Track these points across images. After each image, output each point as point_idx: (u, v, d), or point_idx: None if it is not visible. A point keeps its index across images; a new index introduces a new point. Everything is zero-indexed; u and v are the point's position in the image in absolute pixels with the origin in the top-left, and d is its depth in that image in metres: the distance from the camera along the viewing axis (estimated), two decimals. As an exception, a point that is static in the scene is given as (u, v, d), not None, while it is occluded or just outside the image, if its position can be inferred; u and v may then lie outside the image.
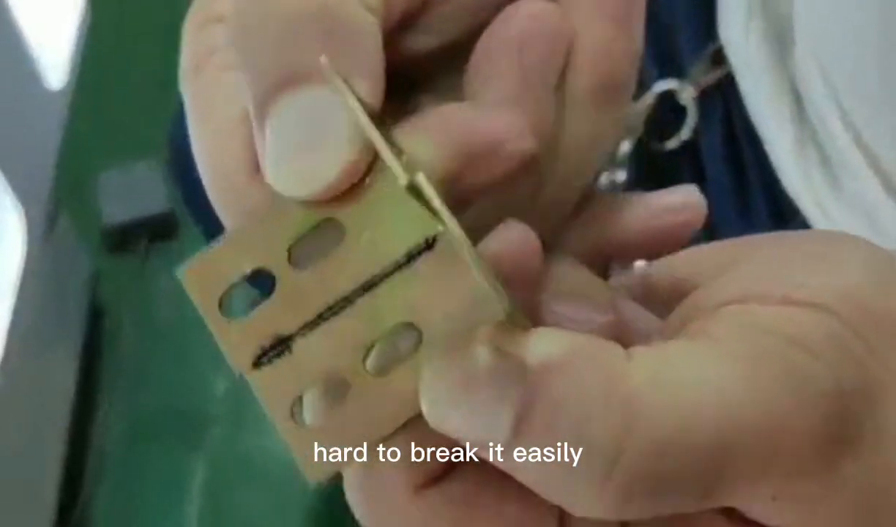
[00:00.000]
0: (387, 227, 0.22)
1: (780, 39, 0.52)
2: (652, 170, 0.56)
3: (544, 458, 0.20)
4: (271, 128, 0.22)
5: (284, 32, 0.22)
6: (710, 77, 0.55)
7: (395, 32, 0.25)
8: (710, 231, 0.56)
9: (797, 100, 0.51)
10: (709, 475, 0.20)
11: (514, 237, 0.23)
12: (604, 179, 0.56)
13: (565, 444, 0.19)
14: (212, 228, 0.81)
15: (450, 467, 0.22)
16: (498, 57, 0.24)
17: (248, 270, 0.22)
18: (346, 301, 0.22)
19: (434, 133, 0.23)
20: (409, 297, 0.22)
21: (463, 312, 0.22)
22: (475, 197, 0.24)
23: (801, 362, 0.21)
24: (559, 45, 0.24)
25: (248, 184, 0.24)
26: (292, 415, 0.22)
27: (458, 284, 0.22)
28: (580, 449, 0.19)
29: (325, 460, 0.22)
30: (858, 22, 0.48)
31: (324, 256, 0.22)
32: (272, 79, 0.22)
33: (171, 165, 0.80)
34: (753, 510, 0.21)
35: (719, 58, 0.54)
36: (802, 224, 0.51)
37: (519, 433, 0.19)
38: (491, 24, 0.24)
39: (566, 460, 0.19)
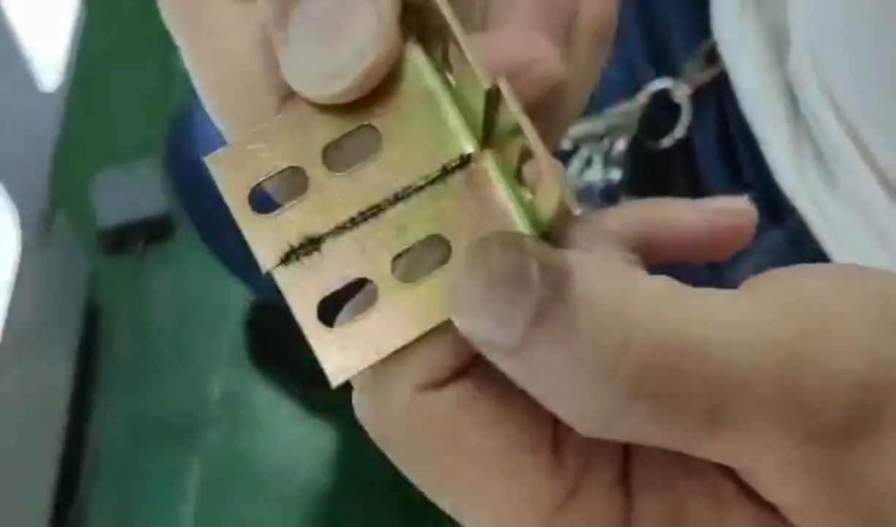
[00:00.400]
0: (423, 140, 0.22)
1: (775, 37, 0.52)
2: (647, 168, 0.56)
3: (551, 359, 0.20)
4: (294, 25, 0.22)
5: None
6: (705, 75, 0.55)
7: None
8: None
9: (792, 97, 0.51)
10: (715, 397, 0.20)
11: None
12: (599, 177, 0.56)
13: (573, 345, 0.19)
14: (207, 229, 0.81)
15: (454, 376, 0.22)
16: (521, 9, 0.25)
17: (281, 165, 0.22)
18: (378, 209, 0.22)
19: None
20: (441, 211, 0.22)
21: (494, 228, 0.22)
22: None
23: (837, 334, 0.21)
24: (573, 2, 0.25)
25: (274, 107, 0.23)
26: (318, 316, 0.21)
27: (488, 204, 0.22)
28: (587, 353, 0.20)
29: (347, 362, 0.21)
30: (853, 18, 0.48)
31: (359, 161, 0.22)
32: None
33: (168, 167, 0.80)
34: (766, 476, 0.21)
35: (713, 56, 0.54)
36: (798, 222, 0.51)
37: (533, 332, 0.19)
38: None
39: (572, 361, 0.19)
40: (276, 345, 1.12)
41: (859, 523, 0.21)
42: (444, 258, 0.22)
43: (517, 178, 0.22)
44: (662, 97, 0.55)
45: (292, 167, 0.22)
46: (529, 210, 0.22)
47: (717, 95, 0.55)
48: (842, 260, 0.50)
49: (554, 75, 0.24)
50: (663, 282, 0.21)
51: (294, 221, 0.22)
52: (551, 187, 0.20)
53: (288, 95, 0.23)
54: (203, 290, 1.17)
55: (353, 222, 0.22)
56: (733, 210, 0.28)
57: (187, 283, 1.18)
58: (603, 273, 0.20)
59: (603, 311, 0.20)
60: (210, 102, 0.24)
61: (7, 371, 0.66)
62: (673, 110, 0.55)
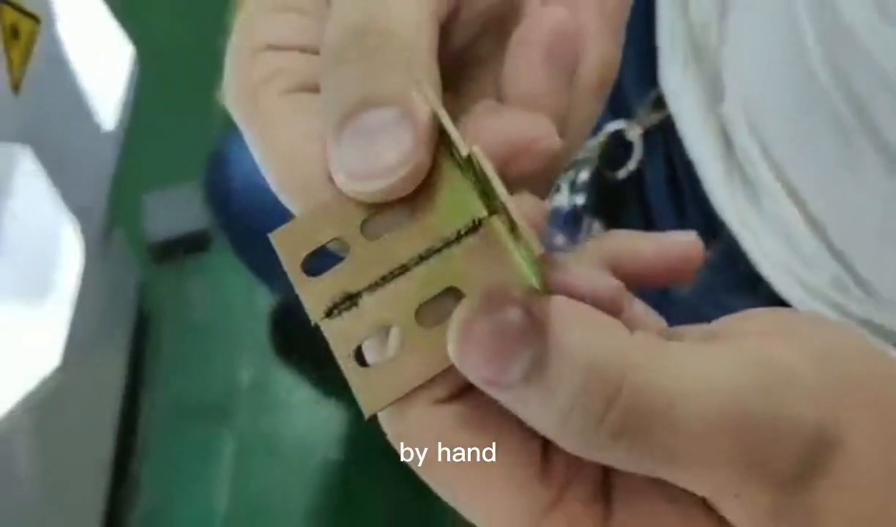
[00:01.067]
0: (444, 211, 0.23)
1: (711, 87, 0.53)
2: (606, 195, 0.57)
3: (547, 401, 0.20)
4: (345, 137, 0.23)
5: (369, 67, 0.23)
6: (653, 118, 0.56)
7: None
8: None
9: (726, 137, 0.52)
10: (678, 441, 0.20)
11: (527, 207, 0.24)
12: (566, 202, 0.57)
13: (566, 395, 0.20)
14: (238, 243, 0.81)
15: (464, 391, 0.22)
16: (529, 57, 0.25)
17: (327, 238, 0.23)
18: (405, 268, 0.23)
19: (482, 136, 0.24)
20: (457, 267, 0.23)
21: (502, 280, 0.23)
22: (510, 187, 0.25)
23: (795, 391, 0.21)
24: (576, 48, 0.26)
25: (326, 188, 0.24)
26: (355, 358, 0.23)
27: (497, 260, 0.23)
28: (580, 398, 0.20)
29: (378, 396, 0.22)
30: (777, 74, 0.49)
31: (389, 231, 0.23)
32: (353, 101, 0.23)
33: (207, 193, 0.80)
34: (720, 502, 0.21)
35: (660, 102, 0.55)
36: (731, 240, 0.52)
37: (530, 379, 0.20)
38: (519, 29, 0.26)
39: (567, 405, 0.20)
40: (295, 339, 1.13)
41: None
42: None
43: (512, 235, 0.23)
44: (618, 136, 0.56)
45: (336, 238, 0.23)
46: (526, 261, 0.23)
47: (664, 135, 0.56)
48: (768, 273, 0.51)
49: (552, 149, 0.24)
50: (641, 337, 0.21)
51: (337, 282, 0.23)
52: (527, 243, 0.21)
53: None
54: (235, 293, 1.16)
55: (384, 280, 0.23)
56: (683, 242, 0.28)
57: (222, 288, 1.17)
58: (589, 325, 0.21)
59: (592, 365, 0.20)
60: (273, 180, 0.25)
61: (71, 367, 0.67)
62: (627, 147, 0.56)
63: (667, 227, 0.56)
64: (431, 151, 0.23)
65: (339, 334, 0.23)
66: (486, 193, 0.23)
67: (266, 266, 0.75)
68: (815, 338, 0.23)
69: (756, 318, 0.23)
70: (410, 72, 0.23)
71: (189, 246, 1.19)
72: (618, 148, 0.56)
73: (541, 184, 0.26)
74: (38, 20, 0.70)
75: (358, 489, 1.07)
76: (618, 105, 0.57)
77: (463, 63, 0.27)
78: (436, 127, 0.23)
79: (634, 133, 0.56)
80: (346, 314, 0.23)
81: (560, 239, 0.56)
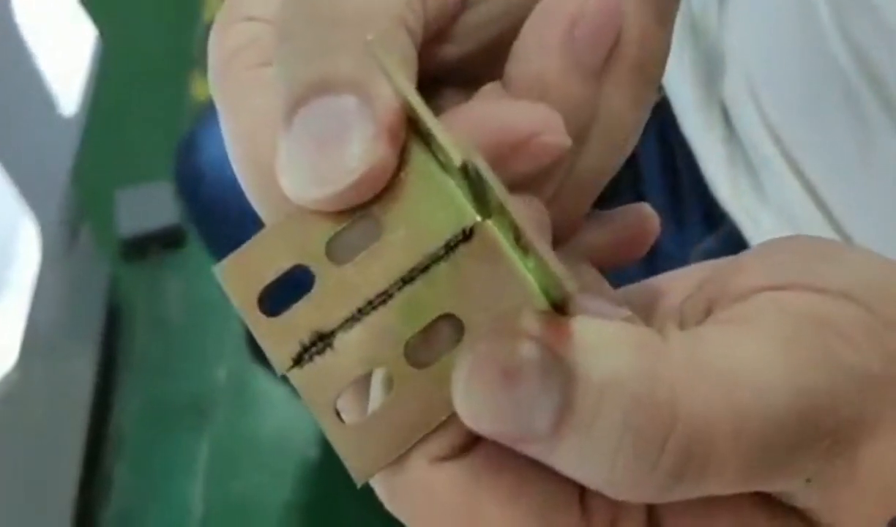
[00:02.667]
0: (423, 220, 0.19)
1: (710, 62, 0.50)
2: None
3: (586, 448, 0.16)
4: (294, 129, 0.19)
5: (321, 44, 0.19)
6: None
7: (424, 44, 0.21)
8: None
9: (726, 117, 0.49)
10: (751, 459, 0.17)
11: (525, 210, 0.19)
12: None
13: (609, 436, 0.16)
14: (212, 238, 0.79)
15: (469, 445, 0.18)
16: (547, 38, 0.20)
17: (286, 266, 0.19)
18: (386, 295, 0.18)
19: (469, 129, 0.19)
20: (449, 288, 0.18)
21: (504, 300, 0.18)
22: (509, 189, 0.20)
23: (834, 346, 0.18)
24: (611, 30, 0.20)
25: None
26: (336, 413, 0.18)
27: (497, 274, 0.18)
28: (626, 436, 0.16)
29: (369, 460, 0.18)
30: (785, 45, 0.46)
31: (361, 250, 0.19)
32: (301, 86, 0.19)
33: (178, 186, 0.77)
34: (789, 494, 0.19)
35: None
36: (731, 229, 0.49)
37: (561, 426, 0.16)
38: (542, 2, 0.20)
39: (611, 447, 0.16)
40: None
41: (875, 506, 0.19)
42: (459, 336, 0.18)
43: (516, 239, 0.18)
44: None
45: (297, 265, 0.19)
46: (535, 274, 0.18)
47: (660, 117, 0.53)
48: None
49: (556, 145, 0.19)
50: (679, 343, 0.18)
51: (304, 319, 0.18)
52: (546, 269, 0.17)
53: None
54: (210, 290, 1.15)
55: (362, 312, 0.18)
56: (637, 216, 0.24)
57: (197, 284, 1.16)
58: (619, 346, 0.17)
59: (633, 396, 0.16)
60: (233, 161, 0.21)
61: (37, 365, 0.63)
62: None
63: (662, 215, 0.53)
64: (397, 147, 0.19)
65: (314, 385, 0.18)
66: (479, 196, 0.18)
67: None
68: (829, 273, 0.19)
69: (755, 267, 0.20)
70: (363, 44, 0.18)
71: (163, 242, 1.18)
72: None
73: (548, 188, 0.21)
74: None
75: (336, 488, 1.05)
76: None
77: (492, 62, 0.22)
78: (403, 116, 0.19)
79: (628, 116, 0.52)
80: (319, 359, 0.18)
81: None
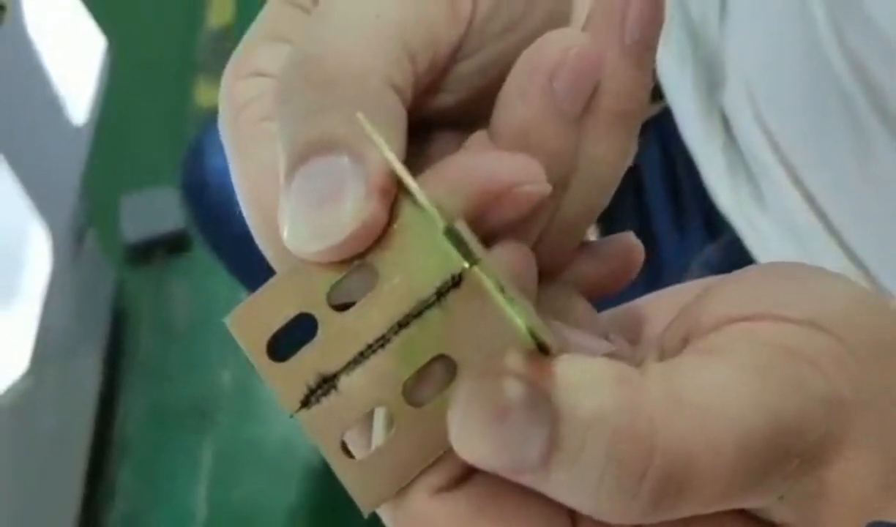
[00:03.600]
0: (415, 268, 0.20)
1: (711, 77, 0.50)
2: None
3: (573, 478, 0.17)
4: (293, 189, 0.20)
5: (315, 106, 0.20)
6: (651, 110, 0.53)
7: (418, 95, 0.22)
8: (649, 244, 0.54)
9: (727, 126, 0.49)
10: (726, 481, 0.18)
11: (511, 256, 0.21)
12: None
13: (593, 466, 0.17)
14: (217, 243, 0.79)
15: (467, 475, 0.19)
16: (529, 85, 0.21)
17: (290, 314, 0.20)
18: (384, 340, 0.20)
19: (454, 182, 0.20)
20: (442, 331, 0.20)
21: (493, 340, 0.20)
22: (496, 234, 0.21)
23: (804, 374, 0.19)
24: (590, 78, 0.21)
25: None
26: (343, 449, 0.20)
27: (485, 316, 0.20)
28: (608, 467, 0.17)
29: (374, 491, 0.19)
30: (785, 55, 0.46)
31: (360, 297, 0.20)
32: (300, 146, 0.20)
33: (183, 193, 0.78)
34: (763, 511, 0.20)
35: (657, 93, 0.53)
36: (733, 238, 0.49)
37: (550, 458, 0.17)
38: (526, 51, 0.22)
39: (595, 478, 0.17)
40: (276, 341, 1.11)
41: (849, 518, 0.20)
42: (451, 375, 0.20)
43: (499, 283, 0.20)
44: None
45: (302, 313, 0.20)
46: (521, 316, 0.20)
47: (661, 128, 0.53)
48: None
49: (537, 193, 0.20)
50: (657, 377, 0.19)
51: (309, 363, 0.20)
52: (524, 320, 0.18)
53: None
54: (215, 295, 1.15)
55: (363, 355, 0.20)
56: (623, 247, 0.25)
57: (201, 289, 1.16)
58: (600, 383, 0.18)
59: (613, 429, 0.17)
60: (242, 206, 0.23)
61: (46, 370, 0.64)
62: None
63: (664, 224, 0.53)
64: (387, 203, 0.20)
65: (321, 425, 0.20)
66: (465, 247, 0.20)
67: (243, 264, 0.73)
68: (798, 302, 0.20)
69: (727, 298, 0.21)
70: (357, 104, 0.20)
71: (168, 247, 1.18)
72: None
73: (533, 232, 0.22)
74: (3, 7, 0.66)
75: (339, 494, 1.05)
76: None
77: (486, 107, 0.23)
78: (392, 175, 0.20)
79: (630, 126, 0.52)
80: (325, 400, 0.20)
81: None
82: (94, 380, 1.01)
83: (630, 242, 0.25)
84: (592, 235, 0.54)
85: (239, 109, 0.23)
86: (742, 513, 0.20)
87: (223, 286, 1.08)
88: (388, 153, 0.19)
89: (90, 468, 0.98)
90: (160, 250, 1.17)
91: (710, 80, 0.50)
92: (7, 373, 0.61)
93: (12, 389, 0.61)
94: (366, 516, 0.19)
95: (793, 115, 0.46)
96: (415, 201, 0.20)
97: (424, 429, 0.19)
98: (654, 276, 0.53)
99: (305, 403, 0.20)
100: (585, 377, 0.18)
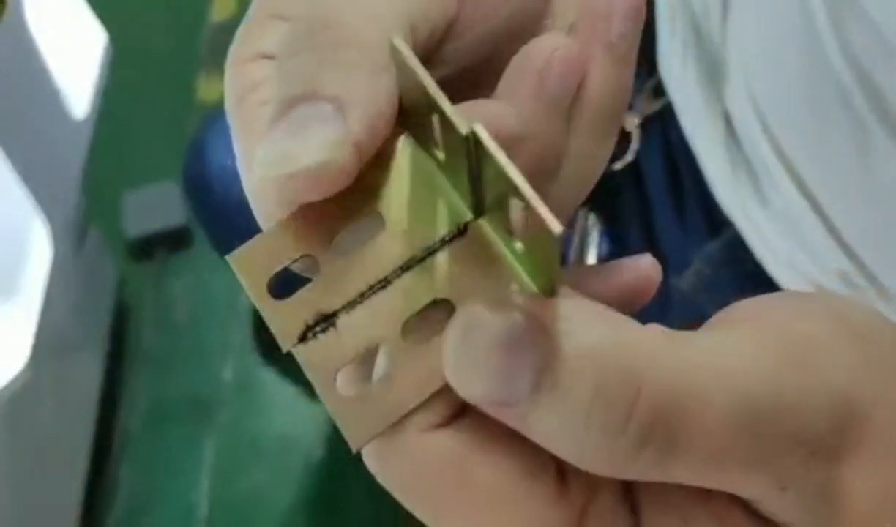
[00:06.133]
0: (422, 217, 0.21)
1: (713, 73, 0.50)
2: (601, 187, 0.54)
3: (560, 416, 0.18)
4: (274, 132, 0.20)
5: (314, 67, 0.21)
6: (652, 107, 0.53)
7: None
8: (651, 240, 0.54)
9: (729, 125, 0.49)
10: (717, 441, 0.18)
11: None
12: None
13: (581, 402, 0.17)
14: (219, 238, 0.79)
15: (456, 414, 0.20)
16: (520, 84, 0.23)
17: (293, 256, 0.21)
18: (385, 282, 0.20)
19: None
20: (443, 277, 0.20)
21: (496, 287, 0.20)
22: None
23: (817, 358, 0.19)
24: (575, 77, 0.23)
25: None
26: (336, 386, 0.20)
27: (487, 265, 0.20)
28: (595, 404, 0.17)
29: (366, 427, 0.19)
30: (785, 55, 0.46)
31: (364, 243, 0.21)
32: (289, 98, 0.21)
33: (186, 187, 0.78)
34: (764, 502, 0.19)
35: (659, 90, 0.53)
36: (734, 235, 0.49)
37: (539, 390, 0.17)
38: (517, 55, 0.23)
39: (582, 415, 0.17)
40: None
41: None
42: (450, 318, 0.20)
43: (508, 231, 0.20)
44: None
45: (304, 255, 0.21)
46: (525, 262, 0.20)
47: (663, 124, 0.53)
48: (773, 268, 0.48)
49: (506, 128, 0.21)
50: (655, 330, 0.19)
51: (309, 302, 0.20)
52: (540, 223, 0.18)
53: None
54: (216, 290, 1.15)
55: (363, 296, 0.20)
56: (639, 271, 0.25)
57: (203, 284, 1.16)
58: (597, 323, 0.18)
59: (604, 365, 0.17)
60: (245, 188, 0.23)
61: (47, 365, 0.64)
62: (624, 137, 0.53)
63: (665, 220, 0.53)
64: (359, 159, 0.20)
65: (316, 360, 0.20)
66: (474, 191, 0.20)
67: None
68: (827, 311, 0.21)
69: (760, 304, 0.21)
70: (355, 66, 0.21)
71: (170, 243, 1.18)
72: (614, 138, 0.53)
73: None
74: (2, 3, 0.66)
75: (341, 489, 1.05)
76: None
77: (470, 84, 0.25)
78: (376, 138, 0.21)
79: (632, 123, 0.52)
80: (322, 337, 0.20)
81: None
82: (96, 375, 1.01)
83: (647, 264, 0.25)
84: (594, 228, 0.54)
85: (244, 92, 0.23)
86: (743, 508, 0.20)
87: (225, 281, 1.08)
88: (424, 73, 0.19)
89: (91, 463, 0.99)
90: (162, 246, 1.17)
91: (713, 76, 0.50)
92: (8, 368, 0.61)
93: (13, 384, 0.61)
94: (354, 451, 0.19)
95: (793, 112, 0.46)
96: (426, 152, 0.21)
97: (420, 368, 0.20)
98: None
99: (302, 338, 0.20)
100: (584, 316, 0.18)
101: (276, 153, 0.20)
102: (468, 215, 0.21)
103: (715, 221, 0.50)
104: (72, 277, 0.79)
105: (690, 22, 0.51)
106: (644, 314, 0.59)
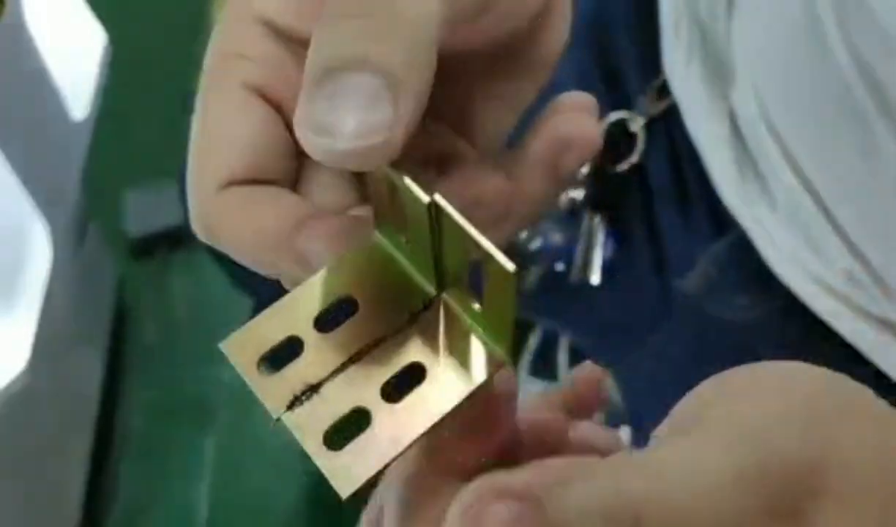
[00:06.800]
0: (391, 297, 0.23)
1: (719, 73, 0.49)
2: (606, 189, 0.54)
3: None
4: (322, 93, 0.21)
5: (364, 31, 0.21)
6: (657, 107, 0.52)
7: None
8: (655, 241, 0.54)
9: (735, 125, 0.49)
10: None
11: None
12: (564, 197, 0.53)
13: None
14: (215, 251, 0.79)
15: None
16: (533, 171, 0.26)
17: (280, 338, 0.23)
18: (363, 353, 0.23)
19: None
20: (414, 344, 0.23)
21: (458, 351, 0.23)
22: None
23: (779, 440, 0.21)
24: (578, 157, 0.26)
25: (217, 194, 0.25)
26: (324, 444, 0.22)
27: (453, 331, 0.23)
28: None
29: (352, 476, 0.22)
30: (791, 57, 0.45)
31: (342, 322, 0.23)
32: (341, 57, 0.21)
33: (181, 190, 0.77)
34: None
35: (664, 91, 0.52)
36: (740, 235, 0.49)
37: None
38: (529, 141, 0.26)
39: None
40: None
41: None
42: (423, 377, 0.23)
43: (468, 301, 0.23)
44: (620, 126, 0.53)
45: (289, 336, 0.23)
46: (484, 323, 0.23)
47: (668, 124, 0.52)
48: (780, 268, 0.48)
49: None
50: (627, 459, 0.21)
51: (295, 375, 0.23)
52: (498, 266, 0.21)
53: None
54: (216, 290, 1.14)
55: (344, 366, 0.23)
56: (584, 381, 0.28)
57: (203, 284, 1.15)
58: (578, 477, 0.20)
59: (605, 511, 0.19)
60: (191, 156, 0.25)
61: (47, 365, 0.63)
62: (628, 138, 0.53)
63: (670, 219, 0.52)
64: (406, 136, 0.21)
65: (303, 424, 0.22)
66: (437, 264, 0.23)
67: (241, 269, 0.72)
68: (774, 383, 0.23)
69: (708, 396, 0.23)
70: (407, 47, 0.21)
71: (171, 242, 1.18)
72: (619, 139, 0.53)
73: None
74: (1, 3, 0.65)
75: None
76: (618, 94, 0.53)
77: (469, 96, 0.26)
78: (422, 112, 0.22)
79: (637, 124, 0.52)
80: (308, 404, 0.22)
81: (558, 237, 0.53)
82: (96, 375, 1.01)
83: (594, 373, 0.28)
84: (600, 230, 0.53)
85: (227, 61, 0.25)
86: None
87: (224, 281, 1.08)
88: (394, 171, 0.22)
89: (92, 464, 0.98)
90: (162, 245, 1.17)
91: (718, 76, 0.49)
92: (8, 368, 0.61)
93: (13, 385, 0.61)
94: (343, 498, 0.21)
95: (798, 111, 0.45)
96: (393, 239, 0.24)
97: (397, 423, 0.22)
98: (661, 271, 0.53)
99: (290, 407, 0.22)
100: (562, 472, 0.20)
101: (329, 124, 0.20)
102: (432, 292, 0.24)
103: (720, 221, 0.49)
104: (72, 276, 0.79)
105: (695, 22, 0.50)
106: (648, 316, 0.58)
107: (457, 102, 0.27)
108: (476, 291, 0.23)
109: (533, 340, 0.89)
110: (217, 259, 0.77)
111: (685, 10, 0.51)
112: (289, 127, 0.26)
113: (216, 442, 1.07)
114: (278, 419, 0.22)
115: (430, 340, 0.23)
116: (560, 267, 0.54)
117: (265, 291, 0.22)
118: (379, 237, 0.24)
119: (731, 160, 0.48)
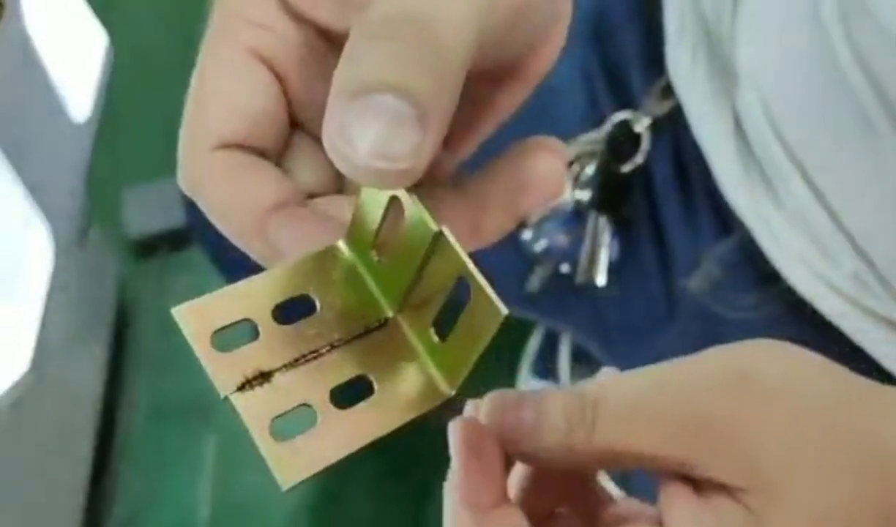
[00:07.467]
0: (351, 307, 0.24)
1: (724, 74, 0.49)
2: (611, 189, 0.53)
3: None
4: (356, 108, 0.21)
5: (404, 57, 0.22)
6: (661, 108, 0.52)
7: None
8: (660, 241, 0.53)
9: (739, 127, 0.48)
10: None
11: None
12: (569, 197, 0.53)
13: None
14: (217, 246, 0.78)
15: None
16: (509, 202, 0.26)
17: (236, 318, 0.23)
18: (318, 353, 0.23)
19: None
20: (366, 357, 0.24)
21: (406, 370, 0.24)
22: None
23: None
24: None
25: (207, 154, 0.25)
26: (269, 432, 0.22)
27: (402, 351, 0.24)
28: None
29: (294, 470, 0.22)
30: (795, 62, 0.45)
31: (301, 318, 0.24)
32: (378, 78, 0.21)
33: (182, 195, 0.76)
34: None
35: (668, 91, 0.52)
36: (745, 235, 0.48)
37: None
38: (516, 165, 0.26)
39: None
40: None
41: None
42: (370, 391, 0.23)
43: (426, 327, 0.24)
44: (624, 127, 0.52)
45: (245, 318, 0.24)
46: (443, 356, 0.24)
47: (672, 125, 0.52)
48: (786, 268, 0.47)
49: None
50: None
51: (249, 358, 0.23)
52: (489, 303, 0.21)
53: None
54: (216, 289, 1.14)
55: (297, 362, 0.23)
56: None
57: (205, 284, 1.13)
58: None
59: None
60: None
61: (49, 367, 0.63)
62: (632, 138, 0.52)
63: (674, 221, 0.52)
64: (428, 163, 0.22)
65: (252, 409, 0.22)
66: (409, 288, 0.24)
67: (240, 271, 0.72)
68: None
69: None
70: (440, 76, 0.22)
71: (171, 242, 1.17)
72: (623, 140, 0.52)
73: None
74: (1, 6, 0.65)
75: (342, 491, 1.05)
76: (623, 95, 0.53)
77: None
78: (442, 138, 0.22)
79: (641, 124, 0.51)
80: (259, 390, 0.23)
81: (563, 238, 0.52)
82: (97, 375, 1.00)
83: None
84: (605, 230, 0.53)
85: (231, 20, 0.25)
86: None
87: (223, 281, 1.08)
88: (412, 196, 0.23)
89: (93, 464, 0.98)
90: (163, 245, 1.16)
91: (723, 76, 0.49)
92: (9, 369, 0.60)
93: (15, 386, 0.61)
94: (284, 490, 0.21)
95: (803, 112, 0.45)
96: (360, 252, 0.24)
97: (341, 428, 0.23)
98: (666, 272, 0.52)
99: (241, 388, 0.23)
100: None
101: (348, 136, 0.21)
102: (389, 313, 0.24)
103: (724, 221, 0.49)
104: (73, 277, 0.78)
105: (700, 22, 0.50)
106: (653, 316, 0.58)
107: None
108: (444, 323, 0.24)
109: (534, 341, 0.88)
110: (217, 261, 0.76)
111: (689, 10, 0.50)
112: (289, 101, 0.26)
113: (217, 442, 1.07)
114: (226, 398, 0.22)
115: (381, 356, 0.24)
116: (565, 268, 0.53)
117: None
118: (348, 248, 0.25)
119: (736, 159, 0.48)
